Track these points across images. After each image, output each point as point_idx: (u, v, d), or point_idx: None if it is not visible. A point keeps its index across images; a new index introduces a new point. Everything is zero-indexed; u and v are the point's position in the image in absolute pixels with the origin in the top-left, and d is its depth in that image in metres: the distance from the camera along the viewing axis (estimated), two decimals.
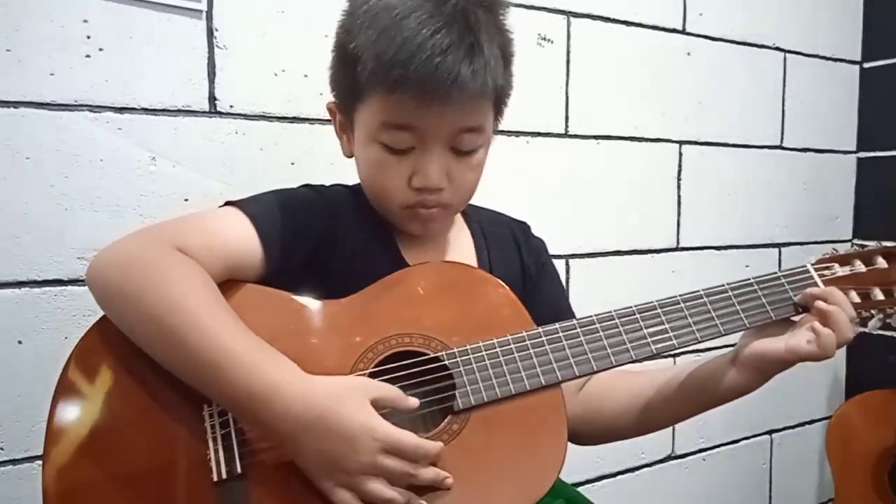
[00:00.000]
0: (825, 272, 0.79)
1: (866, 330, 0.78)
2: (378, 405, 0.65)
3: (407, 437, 0.64)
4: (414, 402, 0.67)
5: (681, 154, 1.55)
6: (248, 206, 0.76)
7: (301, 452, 0.64)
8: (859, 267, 0.79)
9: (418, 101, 0.71)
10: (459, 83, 0.70)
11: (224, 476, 0.65)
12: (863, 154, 1.87)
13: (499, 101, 0.81)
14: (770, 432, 1.78)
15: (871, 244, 0.81)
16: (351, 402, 0.64)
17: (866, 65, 1.85)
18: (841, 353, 1.91)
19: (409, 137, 0.74)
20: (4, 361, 0.93)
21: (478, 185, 0.83)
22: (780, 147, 1.72)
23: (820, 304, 0.73)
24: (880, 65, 1.83)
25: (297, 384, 0.64)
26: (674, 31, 1.52)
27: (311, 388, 0.64)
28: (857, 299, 0.77)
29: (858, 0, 1.85)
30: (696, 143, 1.57)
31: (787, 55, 1.71)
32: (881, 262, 0.79)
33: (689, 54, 1.54)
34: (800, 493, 1.88)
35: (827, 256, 0.81)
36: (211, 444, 0.67)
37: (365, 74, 0.72)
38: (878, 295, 0.77)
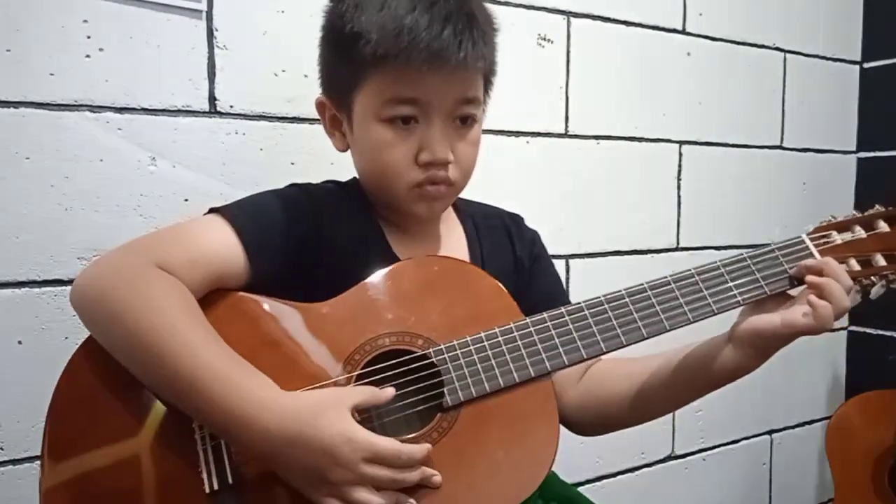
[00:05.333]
0: (822, 241, 0.76)
1: (871, 297, 0.75)
2: (358, 410, 0.65)
3: (387, 445, 0.63)
4: (389, 391, 0.67)
5: (681, 154, 1.55)
6: (230, 212, 0.75)
7: (285, 469, 0.64)
8: (859, 233, 0.75)
9: (425, 70, 0.72)
10: (463, 50, 0.72)
11: (216, 487, 0.65)
12: (863, 154, 1.87)
13: (487, 75, 0.82)
14: (770, 432, 1.78)
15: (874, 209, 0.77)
16: (329, 414, 0.63)
17: (866, 65, 1.85)
18: (841, 353, 1.91)
19: (413, 110, 0.75)
20: (4, 361, 0.93)
21: (475, 166, 0.83)
22: (780, 147, 1.72)
23: (813, 277, 0.72)
24: (880, 65, 1.83)
25: (274, 402, 0.64)
26: (674, 31, 1.52)
27: (288, 404, 0.64)
28: (857, 267, 0.74)
29: (858, 0, 1.85)
30: (696, 143, 1.57)
31: (787, 55, 1.71)
32: (883, 226, 0.75)
33: (689, 54, 1.54)
34: (800, 493, 1.88)
35: (824, 224, 0.78)
36: (201, 454, 0.66)
37: (368, 50, 0.72)
38: (881, 261, 0.74)
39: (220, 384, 0.63)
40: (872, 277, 0.74)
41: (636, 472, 1.53)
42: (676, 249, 1.56)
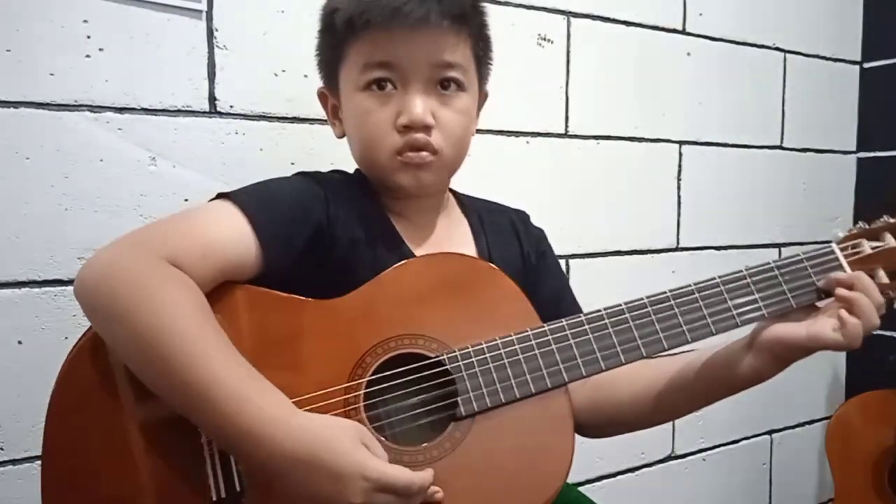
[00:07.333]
0: (851, 249, 0.74)
1: (895, 308, 0.74)
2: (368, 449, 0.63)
3: (398, 475, 0.61)
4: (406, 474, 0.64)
5: (681, 154, 1.55)
6: (241, 199, 0.73)
7: (292, 490, 0.62)
8: (889, 241, 0.73)
9: (393, 32, 0.74)
10: (424, 7, 0.73)
11: (223, 495, 0.64)
12: (863, 154, 1.87)
13: (476, 42, 0.82)
14: (770, 432, 1.78)
15: None
16: (343, 441, 0.62)
17: (866, 65, 1.85)
18: (841, 354, 1.91)
19: (387, 73, 0.76)
20: (4, 361, 0.93)
21: (469, 140, 0.83)
22: (780, 147, 1.72)
23: (843, 291, 0.70)
24: (880, 65, 1.83)
25: (287, 421, 0.62)
26: (674, 31, 1.52)
27: (301, 425, 0.62)
28: (885, 279, 0.72)
29: (858, 0, 1.85)
30: (696, 143, 1.57)
31: (787, 55, 1.70)
32: None
33: (689, 54, 1.54)
34: (800, 493, 1.88)
35: (854, 232, 0.75)
36: (208, 460, 0.65)
37: (343, 24, 0.75)
38: None
39: (232, 398, 0.61)
40: None
41: (636, 472, 1.53)
42: (676, 249, 1.56)
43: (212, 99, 1.04)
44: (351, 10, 0.75)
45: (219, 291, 0.69)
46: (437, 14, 0.74)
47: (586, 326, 0.72)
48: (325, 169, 0.87)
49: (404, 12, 0.72)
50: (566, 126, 1.39)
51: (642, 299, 0.73)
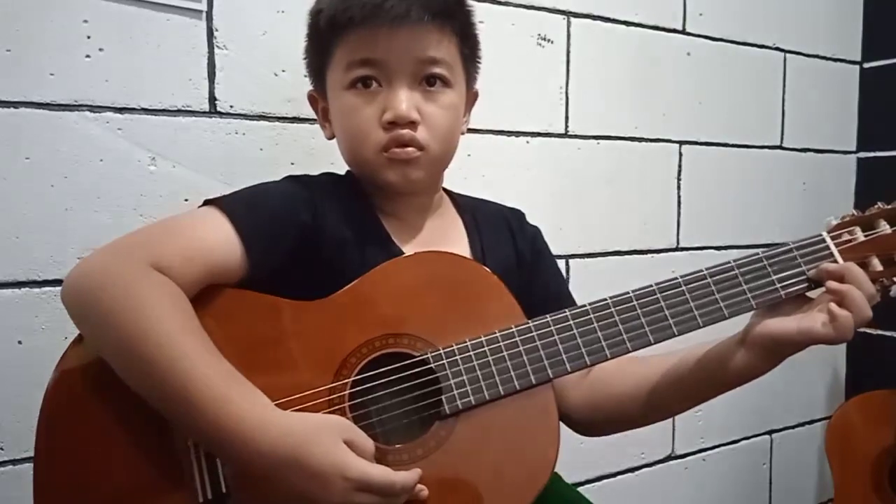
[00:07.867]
0: (844, 237, 0.72)
1: (891, 295, 0.72)
2: (351, 445, 0.63)
3: (379, 475, 0.62)
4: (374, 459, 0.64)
5: (681, 154, 1.55)
6: (227, 204, 0.73)
7: (274, 490, 0.62)
8: (884, 228, 0.71)
9: (375, 30, 0.74)
10: (404, 2, 0.73)
11: (210, 496, 0.64)
12: (863, 154, 1.87)
13: (462, 38, 0.82)
14: (770, 432, 1.78)
15: None
16: (323, 440, 0.62)
17: (866, 65, 1.85)
18: (841, 353, 1.91)
19: (372, 72, 0.77)
20: (4, 361, 0.93)
21: (457, 137, 0.83)
22: (780, 147, 1.72)
23: (834, 284, 0.69)
24: (880, 65, 1.83)
25: (267, 422, 0.62)
26: (674, 31, 1.51)
27: (283, 425, 0.62)
28: (879, 267, 0.70)
29: (858, 0, 1.85)
30: (696, 143, 1.57)
31: (787, 55, 1.70)
32: None
33: (689, 54, 1.54)
34: (800, 493, 1.87)
35: (847, 220, 0.73)
36: (195, 463, 0.65)
37: (327, 24, 0.77)
38: None
39: (213, 400, 0.61)
40: (894, 278, 0.71)
41: (636, 472, 1.53)
42: (676, 249, 1.56)
43: (212, 99, 1.04)
44: (334, 9, 0.76)
45: (204, 294, 0.69)
46: (418, 10, 0.74)
47: (571, 322, 0.71)
48: (324, 169, 0.87)
49: (385, 9, 0.73)
50: (566, 126, 1.39)
51: (628, 293, 0.72)
